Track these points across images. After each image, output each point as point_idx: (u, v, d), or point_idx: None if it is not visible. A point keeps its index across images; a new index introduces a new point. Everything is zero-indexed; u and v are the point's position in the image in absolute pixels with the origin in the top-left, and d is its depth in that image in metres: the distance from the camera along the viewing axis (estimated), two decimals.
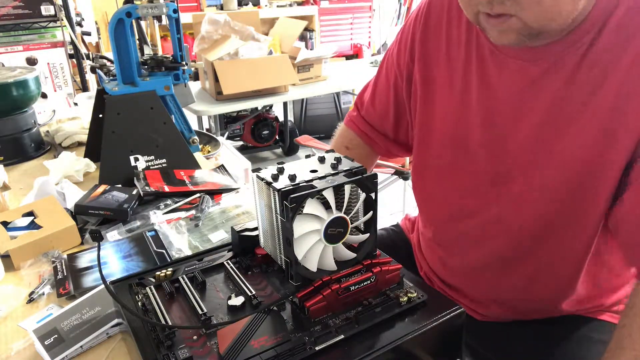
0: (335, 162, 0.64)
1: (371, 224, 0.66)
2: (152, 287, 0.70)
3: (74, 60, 2.16)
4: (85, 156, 1.35)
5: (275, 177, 0.60)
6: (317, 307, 0.60)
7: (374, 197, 0.63)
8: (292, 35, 3.11)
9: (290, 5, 4.76)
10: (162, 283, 0.70)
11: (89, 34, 2.46)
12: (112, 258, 0.89)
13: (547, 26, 0.62)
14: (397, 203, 2.70)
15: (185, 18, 2.90)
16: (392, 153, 1.04)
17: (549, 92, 0.70)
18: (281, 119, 3.74)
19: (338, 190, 0.61)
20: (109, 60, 1.38)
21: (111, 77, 1.29)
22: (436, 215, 0.94)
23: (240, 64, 2.58)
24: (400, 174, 2.27)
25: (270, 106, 3.57)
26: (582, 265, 0.78)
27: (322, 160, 0.66)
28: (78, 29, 2.21)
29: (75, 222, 0.98)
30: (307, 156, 0.68)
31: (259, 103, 2.77)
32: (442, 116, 0.84)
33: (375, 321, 0.60)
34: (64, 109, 1.86)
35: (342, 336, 0.58)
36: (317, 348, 0.57)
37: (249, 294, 0.66)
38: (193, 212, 1.06)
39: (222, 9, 4.35)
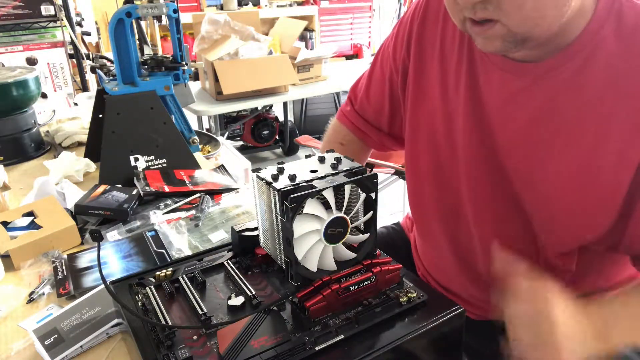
0: (335, 162, 0.64)
1: (371, 224, 0.66)
2: (152, 287, 0.70)
3: (74, 60, 2.16)
4: (85, 156, 1.35)
5: (275, 177, 0.60)
6: (317, 307, 0.60)
7: (374, 197, 0.63)
8: (292, 35, 3.11)
9: (290, 5, 4.76)
10: (162, 283, 0.70)
11: (89, 34, 2.46)
12: (112, 258, 0.89)
13: (531, 32, 0.61)
14: (397, 203, 2.70)
15: (185, 18, 2.90)
16: (385, 146, 1.04)
17: (529, 108, 0.71)
18: (281, 119, 3.74)
19: (338, 190, 0.61)
20: (109, 60, 1.38)
21: (111, 77, 1.29)
22: (425, 215, 0.95)
23: (240, 64, 2.58)
24: (400, 174, 2.27)
25: (270, 106, 3.57)
26: (571, 266, 0.78)
27: (322, 160, 0.66)
28: (78, 29, 2.21)
29: (75, 222, 0.98)
30: (307, 156, 0.68)
31: (259, 103, 2.77)
32: (431, 114, 0.84)
33: (375, 321, 0.60)
34: (64, 109, 1.86)
35: (342, 336, 0.58)
36: (317, 348, 0.57)
37: (249, 294, 0.66)
38: (193, 212, 1.06)
39: (222, 9, 4.35)
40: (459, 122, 0.79)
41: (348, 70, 3.43)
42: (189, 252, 0.92)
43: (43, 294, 0.82)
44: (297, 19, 3.29)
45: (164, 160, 1.23)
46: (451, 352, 0.67)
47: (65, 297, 0.80)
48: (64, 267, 0.87)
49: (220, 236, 0.98)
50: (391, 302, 0.62)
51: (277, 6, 4.67)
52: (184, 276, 0.71)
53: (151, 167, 1.21)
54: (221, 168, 1.30)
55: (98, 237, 0.68)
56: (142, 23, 1.38)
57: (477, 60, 0.76)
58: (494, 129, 0.76)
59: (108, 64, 1.38)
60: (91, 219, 1.05)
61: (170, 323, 0.62)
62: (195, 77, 3.17)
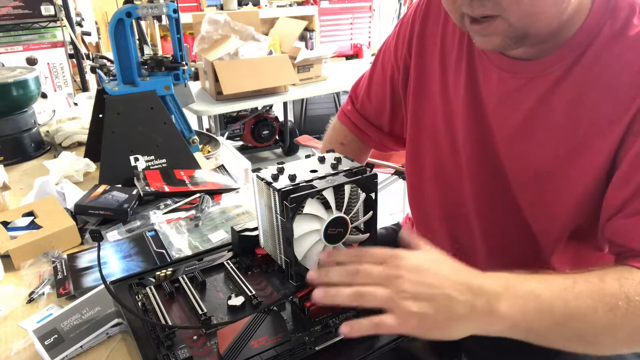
0: (335, 162, 0.64)
1: (371, 224, 0.66)
2: (152, 287, 0.70)
3: (74, 60, 2.16)
4: (85, 156, 1.35)
5: (275, 177, 0.60)
6: (317, 307, 0.60)
7: (374, 197, 0.63)
8: (292, 35, 3.11)
9: (290, 5, 4.76)
10: (162, 283, 0.70)
11: (89, 34, 2.46)
12: (112, 258, 0.89)
13: (530, 27, 0.61)
14: (397, 203, 2.70)
15: (185, 18, 2.90)
16: (386, 146, 1.04)
17: (524, 106, 0.71)
18: (281, 119, 3.74)
19: (338, 190, 0.61)
20: (109, 60, 1.38)
21: (111, 77, 1.29)
22: (426, 216, 0.94)
23: (240, 64, 2.58)
24: (400, 174, 2.27)
25: (270, 106, 3.57)
26: (564, 262, 0.79)
27: (322, 160, 0.66)
28: (78, 29, 2.21)
29: (75, 222, 0.98)
30: (307, 156, 0.68)
31: (259, 103, 2.77)
32: (432, 112, 0.85)
33: None
34: (64, 109, 1.86)
35: (342, 336, 0.58)
36: (317, 348, 0.57)
37: (249, 294, 0.66)
38: (193, 212, 1.06)
39: (222, 9, 4.34)
40: (459, 121, 0.79)
41: (348, 70, 3.43)
42: (189, 252, 0.92)
43: (43, 294, 0.82)
44: (297, 19, 3.29)
45: (164, 160, 1.23)
46: (450, 352, 0.67)
47: (65, 297, 0.80)
48: (64, 267, 0.87)
49: (220, 236, 0.98)
50: None
51: (277, 6, 4.67)
52: (184, 276, 0.71)
53: (151, 167, 1.21)
54: (221, 168, 1.30)
55: (98, 237, 0.68)
56: (142, 23, 1.38)
57: (476, 58, 0.76)
58: (492, 128, 0.76)
59: (108, 64, 1.38)
60: (91, 219, 1.05)
61: (170, 323, 0.62)
62: (195, 77, 3.17)
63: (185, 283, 0.69)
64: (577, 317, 0.54)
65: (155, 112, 1.19)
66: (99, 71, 1.37)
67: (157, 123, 1.20)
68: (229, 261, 0.75)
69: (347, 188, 0.61)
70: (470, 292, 0.54)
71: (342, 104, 1.07)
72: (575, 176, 0.68)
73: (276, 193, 0.58)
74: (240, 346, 0.57)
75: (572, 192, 0.70)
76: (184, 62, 1.26)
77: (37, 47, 2.04)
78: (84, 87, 2.26)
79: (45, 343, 0.67)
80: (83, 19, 2.37)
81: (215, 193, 1.14)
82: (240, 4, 4.43)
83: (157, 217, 1.03)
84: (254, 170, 0.64)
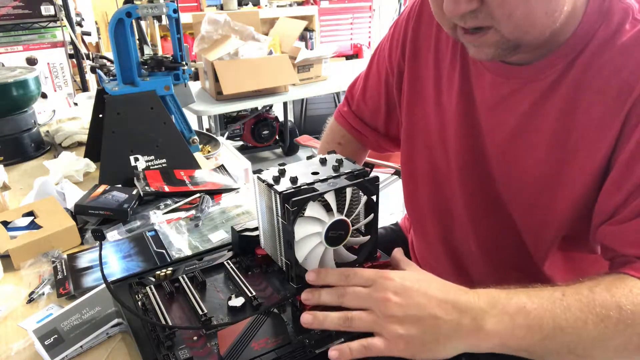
0: (337, 164, 0.64)
1: (372, 226, 0.66)
2: (152, 287, 0.70)
3: (74, 60, 2.15)
4: (85, 156, 1.35)
5: (276, 180, 0.60)
6: (317, 309, 0.60)
7: (375, 200, 0.63)
8: (292, 35, 3.11)
9: (290, 5, 4.76)
10: (162, 283, 0.70)
11: (89, 34, 2.45)
12: (112, 258, 0.89)
13: (523, 38, 0.60)
14: (397, 203, 2.70)
15: (185, 18, 2.90)
16: (382, 147, 1.04)
17: (516, 112, 0.71)
18: (281, 119, 3.74)
19: (339, 193, 0.61)
20: (109, 60, 1.38)
21: (111, 77, 1.29)
22: (421, 217, 0.95)
23: (240, 64, 2.58)
24: (400, 174, 2.26)
25: (270, 106, 3.57)
26: (557, 265, 0.79)
27: (323, 162, 0.66)
28: (78, 29, 2.21)
29: (75, 222, 0.98)
30: (309, 157, 0.68)
31: (259, 103, 2.77)
32: (425, 116, 0.84)
33: None
34: (64, 109, 1.86)
35: (342, 339, 0.58)
36: (317, 351, 0.57)
37: (250, 294, 0.66)
38: (193, 212, 1.06)
39: (222, 9, 4.34)
40: (452, 125, 0.79)
41: (348, 70, 3.43)
42: (189, 252, 0.92)
43: (43, 294, 0.82)
44: (297, 19, 3.29)
45: (164, 160, 1.23)
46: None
47: (65, 297, 0.80)
48: (64, 267, 0.87)
49: (220, 236, 0.98)
50: None
51: (277, 6, 4.67)
52: (184, 276, 0.71)
53: (151, 167, 1.21)
54: (221, 168, 1.30)
55: (100, 237, 0.68)
56: (142, 23, 1.38)
57: (470, 63, 0.76)
58: (484, 133, 0.75)
59: (108, 64, 1.38)
60: (91, 219, 1.05)
61: (170, 323, 0.62)
62: (195, 77, 3.17)
63: (185, 283, 0.69)
64: (567, 331, 0.54)
65: (155, 112, 1.19)
66: (99, 71, 1.37)
67: (157, 123, 1.20)
68: (229, 261, 0.75)
69: (348, 191, 0.61)
70: (457, 311, 0.54)
71: (339, 104, 1.07)
72: (567, 182, 0.68)
73: (278, 196, 0.58)
74: (241, 348, 0.57)
75: (563, 197, 0.69)
76: (184, 62, 1.26)
77: (37, 47, 2.04)
78: (84, 87, 2.25)
79: (45, 343, 0.67)
80: (83, 19, 2.37)
81: (215, 193, 1.15)
82: (240, 4, 4.43)
83: (157, 217, 1.03)
84: (255, 172, 0.64)
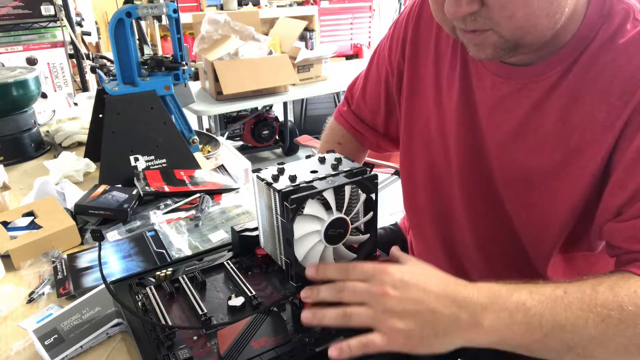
0: (336, 162, 0.64)
1: (371, 224, 0.66)
2: (152, 287, 0.70)
3: (74, 60, 2.16)
4: (85, 156, 1.35)
5: (275, 178, 0.60)
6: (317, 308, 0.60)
7: (374, 198, 0.63)
8: (292, 36, 3.11)
9: (290, 5, 4.76)
10: (162, 283, 0.70)
11: (89, 34, 2.46)
12: (112, 258, 0.89)
13: (523, 39, 0.60)
14: (397, 203, 2.70)
15: (185, 18, 2.91)
16: (381, 147, 1.04)
17: (517, 112, 0.70)
18: (281, 119, 3.74)
19: (338, 191, 0.61)
20: (109, 60, 1.38)
21: (111, 77, 1.29)
22: (420, 218, 0.94)
23: (240, 64, 2.58)
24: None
25: (270, 106, 3.57)
26: (558, 267, 0.78)
27: (322, 160, 0.66)
28: (78, 29, 2.21)
29: (75, 222, 0.98)
30: (308, 156, 0.68)
31: (259, 103, 2.77)
32: (425, 117, 0.84)
33: None
34: (64, 109, 1.86)
35: (342, 337, 0.58)
36: (317, 349, 0.57)
37: (249, 294, 0.66)
38: (193, 212, 1.06)
39: (222, 9, 4.34)
40: (452, 126, 0.79)
41: (348, 70, 3.43)
42: (189, 252, 0.92)
43: (43, 294, 0.82)
44: (297, 19, 3.29)
45: (164, 160, 1.23)
46: (449, 354, 0.67)
47: (65, 297, 0.80)
48: (64, 267, 0.87)
49: (220, 236, 0.98)
50: None
51: (277, 6, 4.67)
52: (184, 276, 0.71)
53: (151, 167, 1.21)
54: (221, 168, 1.30)
55: (99, 237, 0.68)
56: (142, 23, 1.38)
57: (470, 63, 0.76)
58: (484, 133, 0.75)
59: (108, 64, 1.38)
60: (91, 219, 1.05)
61: (170, 323, 0.62)
62: (195, 77, 3.17)
63: (185, 283, 0.69)
64: (567, 329, 0.53)
65: (155, 112, 1.19)
66: (99, 71, 1.37)
67: (157, 123, 1.20)
68: (229, 261, 0.75)
69: (347, 189, 0.61)
70: (455, 305, 0.54)
71: (339, 104, 1.07)
72: (567, 183, 0.68)
73: (277, 194, 0.58)
74: (241, 347, 0.57)
75: (563, 198, 0.69)
76: (184, 62, 1.26)
77: (37, 47, 2.04)
78: (84, 87, 2.26)
79: (45, 343, 0.67)
80: (83, 19, 2.37)
81: (215, 193, 1.15)
82: (240, 4, 4.43)
83: (157, 217, 1.03)
84: (254, 171, 0.64)
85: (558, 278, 0.78)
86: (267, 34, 3.05)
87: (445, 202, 0.85)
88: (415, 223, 0.98)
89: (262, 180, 0.61)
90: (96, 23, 3.00)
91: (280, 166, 0.63)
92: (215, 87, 2.61)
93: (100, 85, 1.36)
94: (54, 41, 2.07)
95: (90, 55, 1.77)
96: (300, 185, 0.58)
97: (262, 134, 3.62)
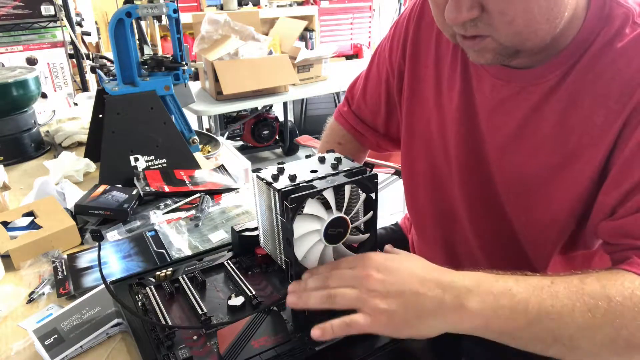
0: (336, 162, 0.64)
1: (371, 224, 0.66)
2: (152, 287, 0.70)
3: (74, 60, 2.16)
4: (85, 156, 1.36)
5: (275, 177, 0.60)
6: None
7: (374, 198, 0.63)
8: (292, 36, 3.11)
9: (290, 5, 4.76)
10: (162, 283, 0.70)
11: (89, 34, 2.46)
12: (112, 258, 0.89)
13: (522, 45, 0.61)
14: (397, 203, 2.70)
15: (185, 18, 2.91)
16: (382, 148, 1.04)
17: (516, 115, 0.70)
18: (281, 119, 3.74)
19: (338, 190, 0.61)
20: (109, 60, 1.38)
21: (111, 77, 1.29)
22: (421, 219, 0.94)
23: (240, 64, 2.58)
24: (400, 174, 2.27)
25: (270, 106, 3.57)
26: (558, 268, 0.78)
27: (322, 160, 0.66)
28: (78, 29, 2.21)
29: (75, 222, 0.98)
30: (308, 156, 0.68)
31: (259, 103, 2.77)
32: (426, 118, 0.84)
33: None
34: (64, 109, 1.86)
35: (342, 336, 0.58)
36: (317, 349, 0.57)
37: (249, 294, 0.66)
38: (193, 212, 1.06)
39: (222, 9, 4.34)
40: (452, 128, 0.79)
41: (348, 70, 3.44)
42: (189, 252, 0.92)
43: (43, 294, 0.82)
44: (297, 19, 3.29)
45: (164, 160, 1.23)
46: (451, 352, 0.67)
47: (65, 297, 0.80)
48: (64, 267, 0.87)
49: (220, 236, 0.98)
50: None
51: (277, 6, 4.67)
52: (184, 276, 0.71)
53: (151, 167, 1.21)
54: (221, 168, 1.30)
55: (98, 237, 0.68)
56: (142, 23, 1.38)
57: (471, 65, 0.76)
58: (484, 135, 0.75)
59: (108, 64, 1.38)
60: (91, 219, 1.05)
61: (170, 323, 0.62)
62: (195, 77, 3.17)
63: (185, 283, 0.69)
64: (552, 317, 0.52)
65: (155, 112, 1.19)
66: (99, 71, 1.37)
67: (157, 123, 1.20)
68: (229, 261, 0.75)
69: (347, 188, 0.61)
70: (440, 288, 0.54)
71: (339, 104, 1.07)
72: (566, 185, 0.68)
73: (276, 193, 0.58)
74: (241, 346, 0.57)
75: (562, 200, 0.69)
76: (184, 62, 1.26)
77: (37, 47, 2.04)
78: (84, 87, 2.26)
79: (45, 343, 0.67)
80: (83, 19, 2.37)
81: (215, 193, 1.15)
82: (240, 4, 4.43)
83: (157, 217, 1.03)
84: (254, 171, 0.64)
85: None
86: (267, 34, 3.05)
87: (446, 202, 0.85)
88: (417, 223, 0.98)
89: (262, 179, 0.61)
90: (96, 23, 3.00)
91: (280, 166, 0.63)
92: (215, 87, 2.61)
93: (100, 85, 1.36)
94: (54, 41, 2.07)
95: (90, 55, 1.77)
96: (300, 185, 0.58)
97: (262, 134, 3.62)
